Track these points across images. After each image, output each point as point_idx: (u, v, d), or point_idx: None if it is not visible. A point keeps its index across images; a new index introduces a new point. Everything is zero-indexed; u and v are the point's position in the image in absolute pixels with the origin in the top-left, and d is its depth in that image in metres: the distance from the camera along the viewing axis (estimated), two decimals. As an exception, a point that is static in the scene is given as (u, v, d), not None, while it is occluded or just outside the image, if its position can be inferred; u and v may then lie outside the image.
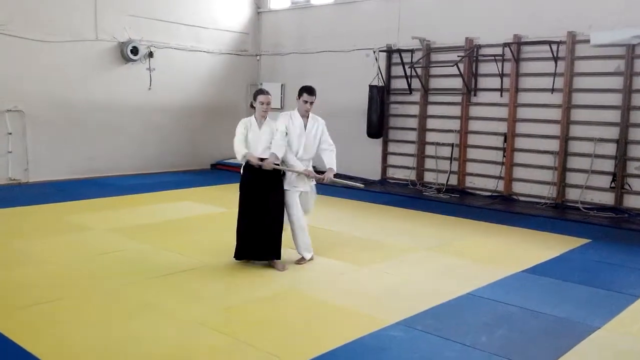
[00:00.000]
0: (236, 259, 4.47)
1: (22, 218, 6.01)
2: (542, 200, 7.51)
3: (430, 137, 8.69)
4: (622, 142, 6.90)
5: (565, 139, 7.34)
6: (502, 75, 7.76)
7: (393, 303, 3.78)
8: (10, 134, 7.94)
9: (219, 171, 10.11)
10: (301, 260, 4.56)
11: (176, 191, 7.90)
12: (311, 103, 4.43)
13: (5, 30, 7.76)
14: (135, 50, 8.99)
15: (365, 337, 3.21)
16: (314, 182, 4.58)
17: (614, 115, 6.98)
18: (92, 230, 5.50)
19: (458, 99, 8.29)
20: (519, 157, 7.82)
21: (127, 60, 9.02)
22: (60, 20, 8.32)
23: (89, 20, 8.63)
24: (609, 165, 7.04)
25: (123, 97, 9.15)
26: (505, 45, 7.58)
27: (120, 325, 3.31)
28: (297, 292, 3.99)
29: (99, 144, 8.90)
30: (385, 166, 9.23)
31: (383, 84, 8.87)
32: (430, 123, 8.68)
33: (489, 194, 8.03)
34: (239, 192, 4.40)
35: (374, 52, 8.90)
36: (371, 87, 8.77)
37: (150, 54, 9.29)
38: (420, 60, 8.43)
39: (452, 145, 8.36)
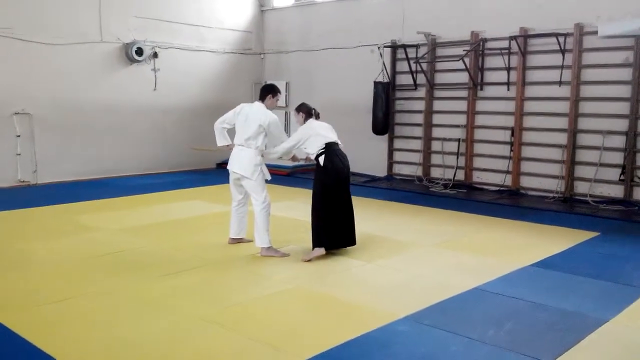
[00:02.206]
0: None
1: (32, 219, 6.07)
2: (551, 194, 7.44)
3: (437, 132, 8.63)
4: (632, 134, 6.81)
5: (573, 132, 7.26)
6: (508, 69, 7.69)
7: (400, 298, 3.77)
8: (19, 136, 8.01)
9: (225, 170, 10.10)
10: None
11: (182, 191, 7.93)
12: None
13: (11, 34, 7.82)
14: (140, 51, 9.03)
15: (372, 332, 3.19)
16: None
17: (623, 108, 6.89)
18: (100, 230, 5.53)
19: (464, 93, 8.23)
20: (527, 151, 7.75)
21: (132, 61, 9.06)
22: (65, 23, 8.37)
23: (94, 22, 8.68)
24: (618, 158, 6.95)
25: (129, 98, 9.19)
26: (511, 38, 7.51)
27: (128, 323, 3.32)
28: (303, 288, 3.98)
29: (105, 145, 8.95)
30: (391, 162, 9.19)
31: (388, 80, 8.83)
32: (436, 118, 8.63)
33: (497, 188, 7.96)
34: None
35: (379, 48, 8.85)
36: (376, 83, 8.73)
37: (155, 55, 9.33)
38: (426, 55, 8.37)
39: (458, 140, 8.31)
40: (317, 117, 4.78)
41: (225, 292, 3.88)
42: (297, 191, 7.69)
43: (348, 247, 4.77)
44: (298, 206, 6.22)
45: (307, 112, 4.73)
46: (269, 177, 4.77)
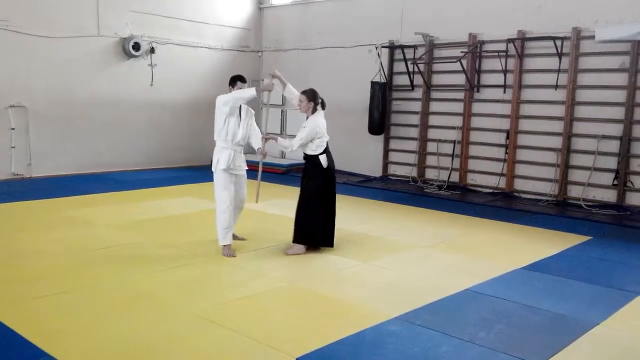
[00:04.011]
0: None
1: (25, 213, 6.04)
2: (544, 198, 7.47)
3: (432, 133, 8.65)
4: (626, 139, 6.85)
5: (568, 135, 7.29)
6: (505, 72, 7.72)
7: (392, 298, 3.78)
8: (14, 129, 7.97)
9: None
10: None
11: (177, 187, 7.92)
12: None
13: (8, 26, 7.78)
14: (136, 46, 8.99)
15: (364, 331, 3.21)
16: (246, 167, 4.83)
17: (618, 112, 6.93)
18: (94, 225, 5.52)
19: (461, 95, 8.25)
20: (522, 154, 7.79)
21: (129, 56, 9.03)
22: (62, 16, 8.33)
23: (91, 15, 8.64)
24: (612, 163, 6.99)
25: (125, 93, 9.16)
26: (509, 41, 7.54)
27: (120, 318, 3.32)
28: (297, 286, 3.99)
29: (101, 140, 8.92)
30: (386, 163, 9.20)
31: (385, 80, 8.83)
32: (433, 120, 8.65)
33: (491, 191, 8.00)
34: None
35: (377, 48, 8.86)
36: (373, 83, 8.73)
37: (152, 50, 9.30)
38: (423, 56, 8.39)
39: (454, 142, 8.33)
40: (323, 107, 4.72)
41: (218, 289, 3.89)
42: (292, 190, 7.66)
43: (341, 247, 4.80)
44: (293, 204, 6.20)
45: (315, 101, 4.61)
46: (223, 166, 4.60)
